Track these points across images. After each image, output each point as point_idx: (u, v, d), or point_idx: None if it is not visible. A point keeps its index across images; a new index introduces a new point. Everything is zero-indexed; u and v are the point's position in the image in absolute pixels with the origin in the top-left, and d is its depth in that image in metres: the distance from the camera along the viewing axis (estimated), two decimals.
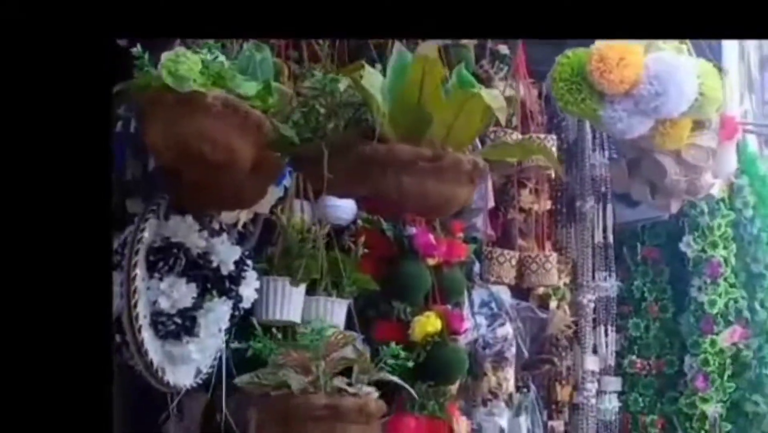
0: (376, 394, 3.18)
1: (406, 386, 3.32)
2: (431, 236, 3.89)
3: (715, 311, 5.48)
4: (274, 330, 3.33)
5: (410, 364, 3.29)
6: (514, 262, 4.73)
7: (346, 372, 3.21)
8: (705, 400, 5.47)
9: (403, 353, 3.29)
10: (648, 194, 5.10)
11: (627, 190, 5.24)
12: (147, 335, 3.10)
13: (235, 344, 3.34)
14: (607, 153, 5.33)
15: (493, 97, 2.77)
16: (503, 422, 4.60)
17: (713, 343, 5.47)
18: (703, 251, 5.52)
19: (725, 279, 5.53)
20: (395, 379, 3.22)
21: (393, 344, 3.32)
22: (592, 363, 5.30)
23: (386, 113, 2.72)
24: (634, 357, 5.69)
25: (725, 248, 5.53)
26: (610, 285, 5.45)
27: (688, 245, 5.57)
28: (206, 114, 2.79)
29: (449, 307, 3.99)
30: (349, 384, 3.14)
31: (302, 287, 3.55)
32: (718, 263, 5.50)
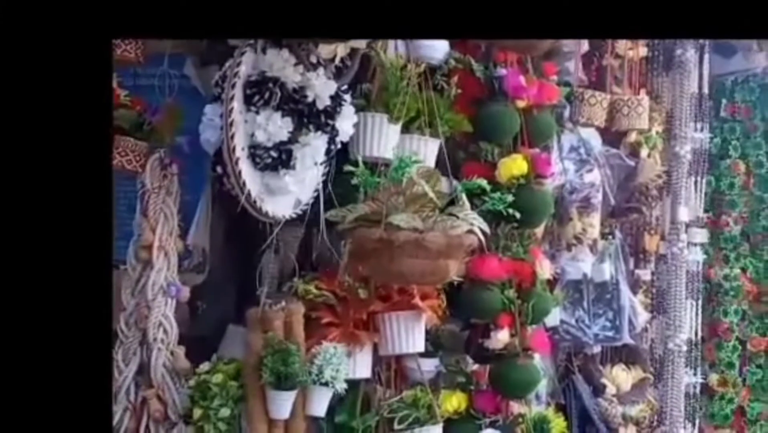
0: (463, 228, 3.23)
1: (480, 223, 3.34)
2: (522, 78, 3.85)
3: None
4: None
5: (494, 204, 3.33)
6: (605, 104, 4.71)
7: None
8: None
9: (487, 186, 3.32)
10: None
11: None
12: (245, 167, 3.18)
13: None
14: None
15: None
16: (586, 267, 4.63)
17: None
18: None
19: None
20: (468, 217, 3.26)
21: (475, 178, 3.38)
22: (683, 214, 5.28)
23: None
24: (707, 213, 5.63)
25: None
26: (704, 137, 5.38)
27: None
28: None
29: (537, 150, 3.97)
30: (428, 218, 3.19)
31: (398, 124, 3.59)
32: None
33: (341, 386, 3.40)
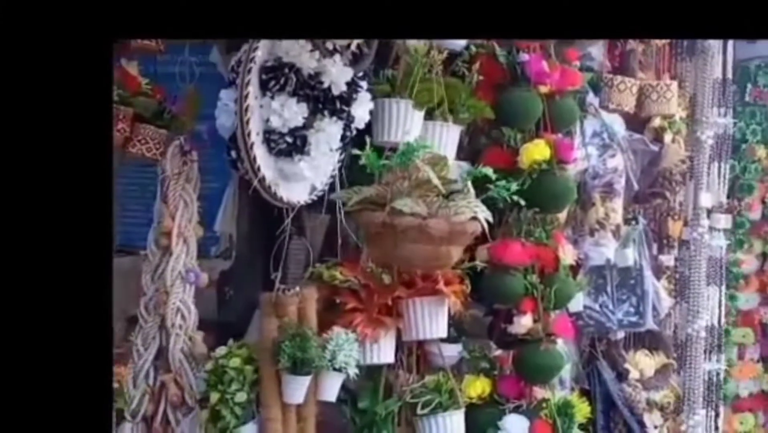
0: (466, 215, 3.24)
1: (481, 211, 3.37)
2: (544, 63, 3.84)
3: None
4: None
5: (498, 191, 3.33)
6: (634, 90, 4.70)
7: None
8: None
9: (492, 174, 3.33)
10: None
11: None
12: (260, 152, 3.19)
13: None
14: None
15: None
16: (610, 252, 4.62)
17: None
18: None
19: None
20: (471, 205, 3.29)
21: (483, 167, 3.40)
22: (706, 200, 5.26)
23: None
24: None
25: None
26: (727, 122, 5.36)
27: None
28: None
29: (560, 135, 3.95)
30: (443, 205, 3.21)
31: (422, 111, 3.60)
32: None
33: (353, 372, 3.42)
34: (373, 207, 3.24)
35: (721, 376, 5.41)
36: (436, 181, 3.21)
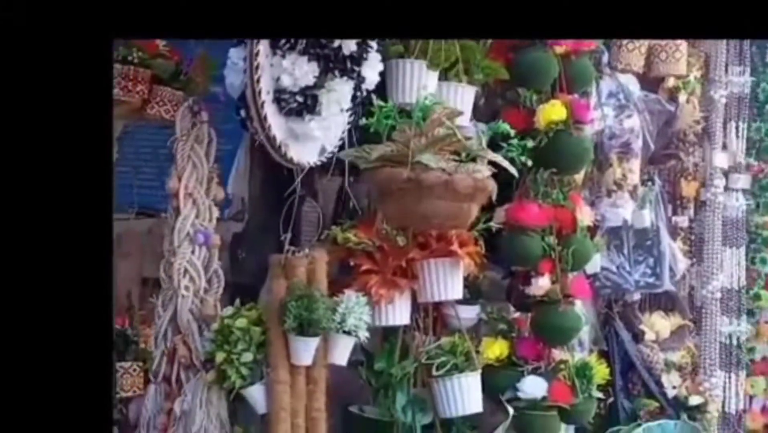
0: (485, 173, 3.23)
1: (508, 165, 3.37)
2: None
3: None
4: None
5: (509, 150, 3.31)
6: (643, 50, 4.65)
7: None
8: None
9: (508, 130, 3.32)
10: None
11: None
12: (270, 111, 3.16)
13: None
14: None
15: None
16: (627, 213, 4.60)
17: None
18: None
19: None
20: (497, 158, 3.27)
21: (500, 123, 3.39)
22: (721, 160, 5.21)
23: None
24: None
25: None
26: (744, 81, 5.30)
27: None
28: None
29: (576, 96, 3.93)
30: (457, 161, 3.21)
31: (437, 71, 3.58)
32: None
33: (364, 335, 3.41)
34: (392, 164, 3.21)
35: (743, 339, 5.36)
36: (459, 135, 3.19)
